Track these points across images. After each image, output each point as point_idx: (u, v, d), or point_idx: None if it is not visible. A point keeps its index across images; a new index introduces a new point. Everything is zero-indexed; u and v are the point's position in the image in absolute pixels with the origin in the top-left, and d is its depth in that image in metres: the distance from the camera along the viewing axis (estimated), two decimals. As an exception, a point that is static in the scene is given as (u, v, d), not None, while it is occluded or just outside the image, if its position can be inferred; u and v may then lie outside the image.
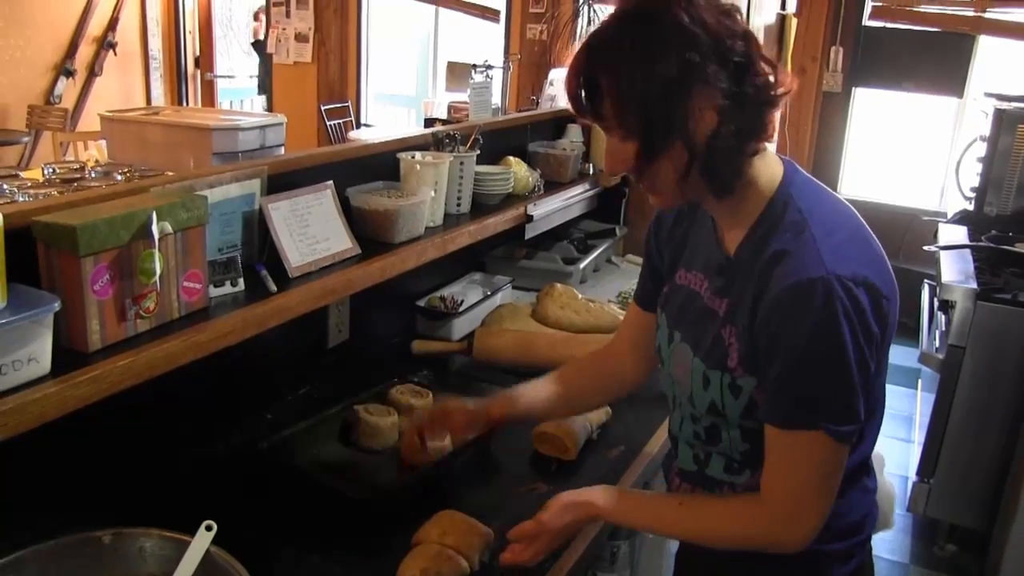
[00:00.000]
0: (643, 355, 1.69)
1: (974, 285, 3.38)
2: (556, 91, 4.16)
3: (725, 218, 1.38)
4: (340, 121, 8.32)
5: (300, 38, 8.70)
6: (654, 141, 1.23)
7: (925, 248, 3.98)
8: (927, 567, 3.69)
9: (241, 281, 1.80)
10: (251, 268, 1.87)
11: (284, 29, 8.73)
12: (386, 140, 2.48)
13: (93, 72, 8.60)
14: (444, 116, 6.66)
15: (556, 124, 3.55)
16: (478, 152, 2.63)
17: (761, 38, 2.60)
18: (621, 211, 3.77)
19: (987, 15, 5.93)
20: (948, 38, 6.11)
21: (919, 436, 3.85)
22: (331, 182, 2.10)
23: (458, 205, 2.59)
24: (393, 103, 9.77)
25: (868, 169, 6.64)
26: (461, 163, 2.54)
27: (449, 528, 1.58)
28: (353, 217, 2.15)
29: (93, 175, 3.02)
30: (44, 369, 1.37)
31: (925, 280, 4.23)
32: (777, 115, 1.27)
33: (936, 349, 3.57)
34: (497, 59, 6.61)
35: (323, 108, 8.29)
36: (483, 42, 8.03)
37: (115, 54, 8.78)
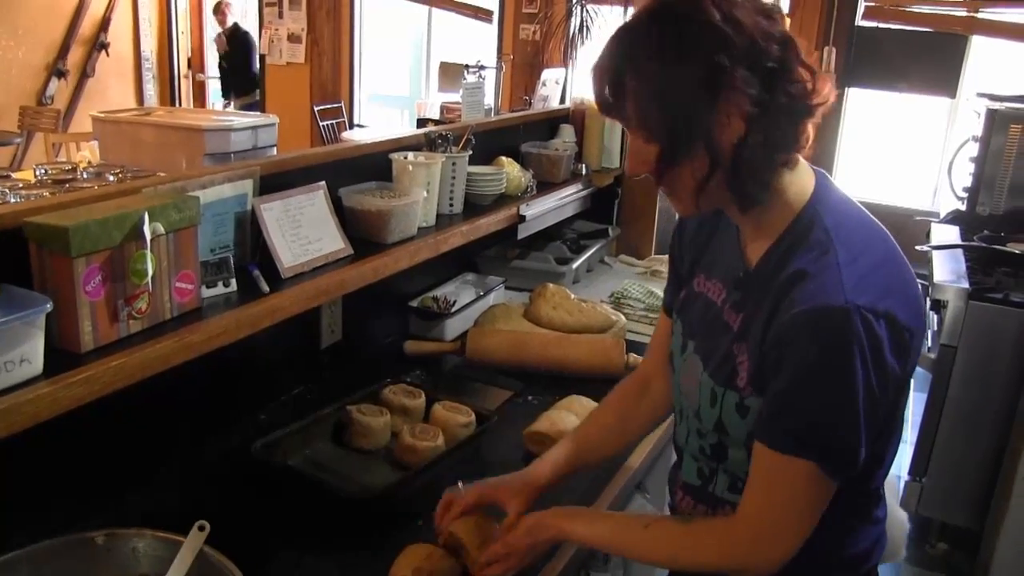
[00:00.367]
0: None
1: (966, 285, 3.40)
2: (549, 91, 4.17)
3: (750, 228, 1.33)
4: (333, 122, 8.34)
5: (293, 39, 8.73)
6: (676, 146, 1.19)
7: (918, 248, 3.99)
8: (919, 565, 3.70)
9: (234, 282, 1.80)
10: (244, 269, 1.87)
11: (277, 30, 8.75)
12: (379, 140, 2.48)
13: (85, 73, 8.61)
14: (437, 116, 6.66)
15: (549, 124, 3.56)
16: (471, 152, 2.64)
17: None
18: (614, 211, 3.78)
19: (980, 15, 5.96)
20: (941, 38, 6.14)
21: (911, 435, 3.86)
22: (323, 182, 2.10)
23: (451, 205, 2.59)
24: (386, 104, 9.77)
25: (861, 169, 6.66)
26: (454, 163, 2.54)
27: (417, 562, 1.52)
28: (346, 217, 2.16)
29: (85, 176, 3.01)
30: (36, 370, 1.37)
31: (917, 280, 4.24)
32: (811, 125, 1.22)
33: (928, 349, 3.57)
34: (490, 59, 6.62)
35: (316, 109, 8.31)
36: (476, 42, 8.05)
37: (107, 55, 8.79)
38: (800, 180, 1.28)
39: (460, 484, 1.58)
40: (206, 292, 1.74)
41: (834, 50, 6.28)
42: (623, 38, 1.20)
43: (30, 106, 7.68)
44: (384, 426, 1.94)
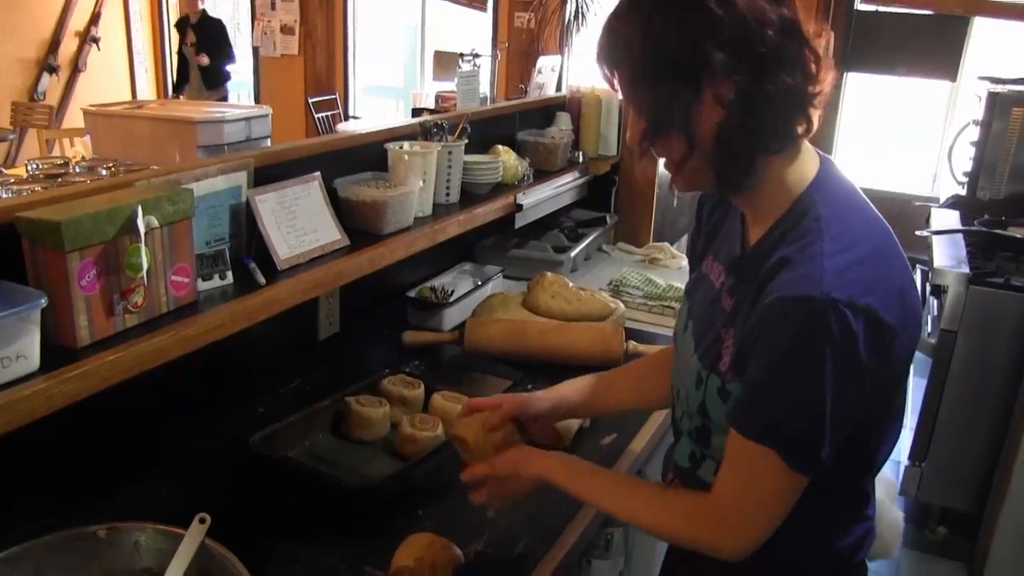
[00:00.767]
0: None
1: (966, 269, 3.41)
2: (544, 79, 4.17)
3: (748, 212, 1.32)
4: (328, 114, 8.33)
5: (286, 30, 8.71)
6: (657, 125, 1.20)
7: (917, 233, 4.00)
8: (919, 550, 3.73)
9: (230, 274, 1.81)
10: (239, 261, 1.88)
11: (269, 22, 8.73)
12: (374, 130, 2.48)
13: (77, 68, 8.59)
14: (432, 106, 6.66)
15: (545, 112, 3.56)
16: (466, 141, 2.64)
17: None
18: (612, 199, 3.78)
19: (980, -4, 5.95)
20: (941, 20, 6.13)
21: (911, 420, 3.87)
22: (318, 173, 2.10)
23: (447, 195, 2.60)
24: (381, 95, 9.77)
25: (860, 155, 6.66)
26: (449, 152, 2.55)
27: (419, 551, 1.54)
28: (341, 208, 2.16)
29: (77, 170, 3.02)
30: (33, 366, 1.38)
31: (917, 265, 4.25)
32: (812, 113, 1.21)
33: (928, 334, 3.59)
34: (485, 48, 6.61)
35: (311, 101, 8.30)
36: (470, 31, 8.03)
37: (98, 49, 8.76)
38: (801, 167, 1.26)
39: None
40: (202, 285, 1.75)
41: (832, 34, 6.24)
42: (621, 9, 1.21)
43: (22, 102, 7.67)
44: (383, 417, 1.95)
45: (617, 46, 1.20)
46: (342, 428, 1.96)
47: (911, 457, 3.65)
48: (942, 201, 4.58)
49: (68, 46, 8.47)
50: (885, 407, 1.28)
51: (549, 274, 2.73)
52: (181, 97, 7.95)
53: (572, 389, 1.69)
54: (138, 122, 4.63)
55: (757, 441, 1.19)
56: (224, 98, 8.27)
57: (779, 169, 1.25)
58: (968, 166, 4.35)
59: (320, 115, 8.24)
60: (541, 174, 3.15)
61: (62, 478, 1.65)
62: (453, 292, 2.71)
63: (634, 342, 2.43)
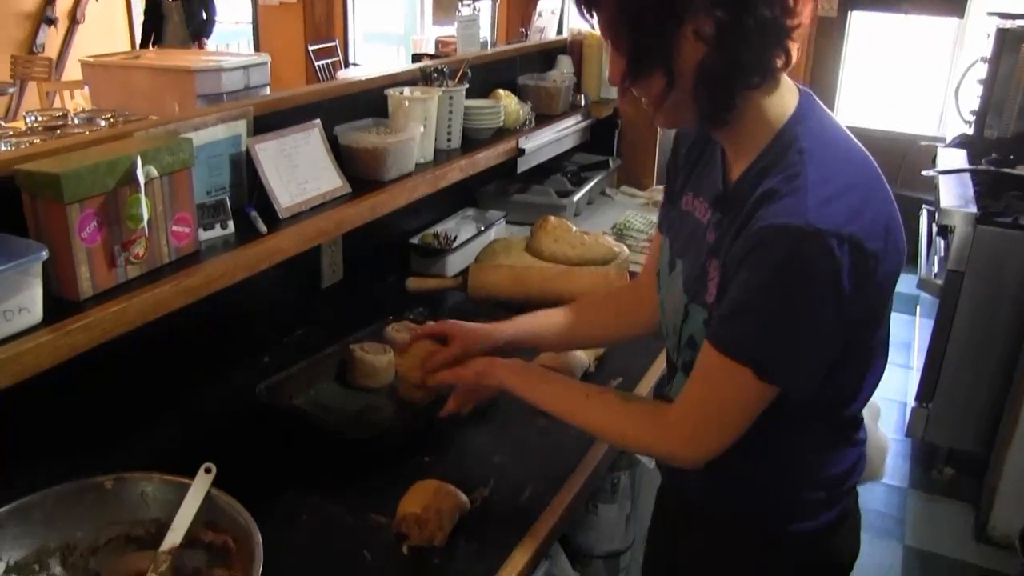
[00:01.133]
0: None
1: (974, 209, 3.39)
2: (545, 22, 4.12)
3: (730, 147, 1.33)
4: (328, 61, 8.27)
5: (284, -24, 8.61)
6: (638, 62, 1.20)
7: (924, 173, 3.97)
8: (925, 491, 3.75)
9: (231, 224, 1.80)
10: (240, 211, 1.87)
11: (267, -32, 8.63)
12: (373, 76, 2.46)
13: (75, 19, 8.51)
14: (432, 52, 6.60)
15: (546, 56, 3.52)
16: (467, 86, 2.62)
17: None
18: (614, 143, 3.76)
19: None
20: (947, -44, 6.04)
21: (918, 362, 3.88)
22: (318, 121, 2.09)
23: (448, 140, 2.58)
24: (382, 42, 9.69)
25: (865, 95, 6.60)
26: (450, 98, 2.53)
27: (425, 499, 1.55)
28: (342, 156, 2.15)
29: (76, 122, 3.00)
30: (36, 318, 1.38)
31: (923, 205, 4.23)
32: (791, 46, 1.19)
33: (935, 275, 3.57)
34: (485, -9, 6.53)
35: (310, 48, 8.23)
36: (471, -26, 7.93)
37: (96, 0, 8.68)
38: (781, 100, 1.26)
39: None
40: (203, 235, 1.74)
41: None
42: None
43: (21, 55, 7.61)
44: (388, 364, 1.95)
45: None
46: (347, 376, 1.96)
47: (918, 398, 3.66)
48: (948, 141, 4.54)
49: (65, -2, 8.40)
50: (868, 336, 1.30)
51: (552, 218, 2.72)
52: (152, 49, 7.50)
53: (542, 322, 1.71)
54: (136, 72, 4.60)
55: (729, 355, 1.22)
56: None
57: (759, 103, 1.24)
58: (975, 105, 4.30)
59: (320, 63, 8.18)
60: (543, 118, 3.13)
61: (67, 430, 1.66)
62: (456, 238, 2.71)
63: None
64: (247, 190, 1.93)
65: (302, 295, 2.30)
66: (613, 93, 3.52)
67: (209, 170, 1.83)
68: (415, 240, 2.70)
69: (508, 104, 2.89)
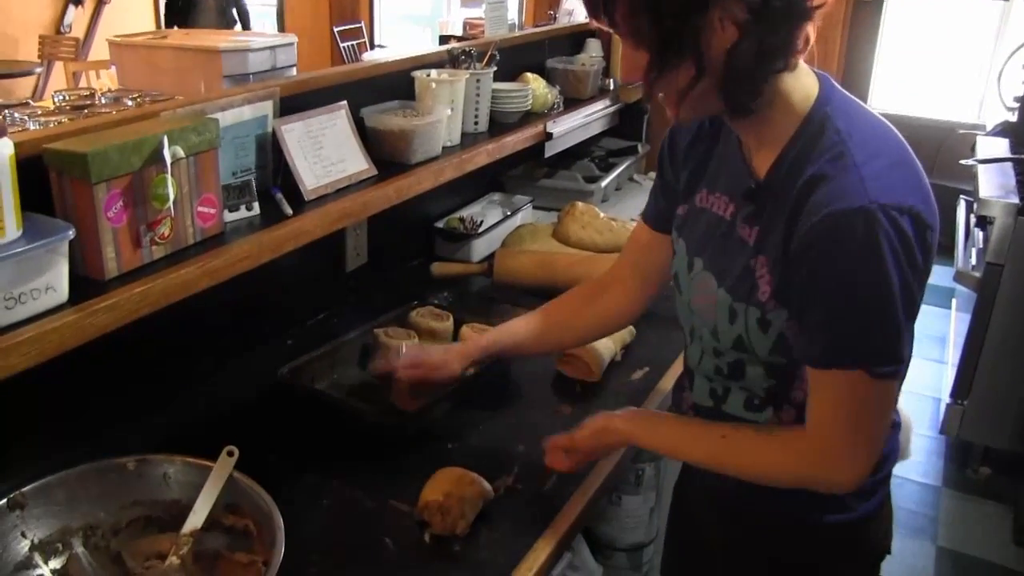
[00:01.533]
0: (645, 281, 1.65)
1: (1015, 200, 3.34)
2: (573, 5, 4.11)
3: (753, 137, 1.30)
4: (354, 43, 8.26)
5: (310, -44, 8.59)
6: (664, 52, 1.17)
7: (962, 162, 3.92)
8: (960, 490, 3.71)
9: (256, 205, 1.82)
10: (266, 192, 1.88)
11: (293, -53, 8.61)
12: (400, 58, 2.47)
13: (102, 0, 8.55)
14: (460, 33, 6.58)
15: (575, 39, 3.52)
16: (495, 69, 2.62)
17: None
18: (643, 127, 3.75)
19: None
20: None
21: (953, 357, 3.84)
22: (345, 102, 2.10)
23: (475, 124, 2.59)
24: (408, 23, 9.67)
25: (901, 80, 6.54)
26: (478, 80, 2.53)
27: (447, 486, 1.54)
28: (368, 138, 2.16)
29: (103, 101, 3.03)
30: (62, 298, 1.40)
31: (961, 196, 4.18)
32: (810, 29, 1.18)
33: (972, 267, 3.53)
34: (514, -28, 6.51)
35: (336, 30, 8.22)
36: (499, -45, 7.90)
37: (123, -20, 8.70)
38: (803, 83, 1.25)
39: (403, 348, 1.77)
40: (229, 216, 1.76)
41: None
42: None
43: (49, 35, 7.65)
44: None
45: None
46: (370, 360, 1.97)
47: (953, 394, 3.62)
48: (989, 128, 4.48)
49: (93, -23, 8.42)
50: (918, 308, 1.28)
51: (580, 204, 2.72)
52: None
53: (517, 328, 1.74)
54: (162, 52, 4.61)
55: (842, 368, 1.19)
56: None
57: (783, 88, 1.23)
58: (1019, 91, 4.24)
59: (345, 44, 8.17)
60: (571, 102, 3.13)
61: (91, 411, 1.68)
62: (482, 222, 2.71)
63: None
64: (273, 172, 1.95)
65: (326, 278, 2.31)
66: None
67: (235, 151, 1.84)
68: (440, 224, 2.71)
69: (536, 88, 2.89)
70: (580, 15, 4.02)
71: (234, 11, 7.34)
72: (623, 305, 1.68)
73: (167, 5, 7.59)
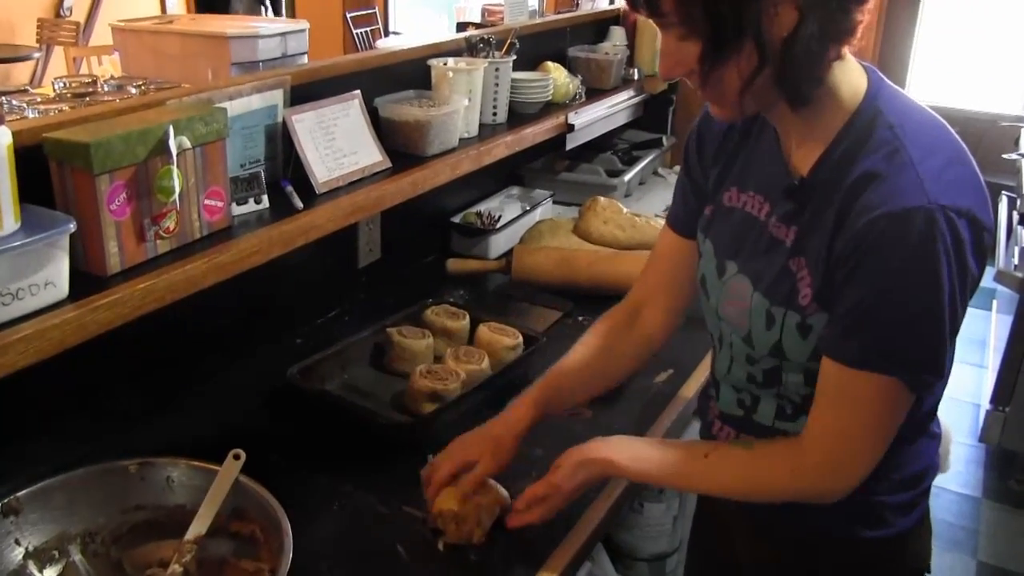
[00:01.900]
0: (678, 295, 1.60)
1: (1061, 196, 3.32)
2: (598, -10, 4.11)
3: (795, 132, 1.28)
4: (367, 29, 8.26)
5: (322, -61, 8.59)
6: (721, 41, 1.13)
7: (1005, 156, 3.89)
8: (1001, 501, 3.68)
9: (265, 198, 1.81)
10: (276, 185, 1.88)
11: (304, -71, 8.61)
12: (416, 46, 2.46)
13: (103, -18, 8.57)
14: (478, 20, 6.57)
15: (598, 26, 3.50)
16: (514, 58, 2.61)
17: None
18: (668, 119, 3.73)
19: None
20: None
21: (993, 361, 3.81)
22: (358, 92, 2.09)
23: (494, 115, 2.58)
24: (424, 9, 9.67)
25: (940, 70, 6.49)
26: (496, 69, 2.52)
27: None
28: (382, 129, 2.15)
29: (106, 89, 3.03)
30: (62, 293, 1.40)
31: (1003, 192, 4.15)
32: (866, 12, 1.16)
33: (1015, 267, 3.50)
34: (535, -44, 6.48)
35: (348, 16, 8.22)
36: (520, -62, 7.88)
37: (125, -39, 8.73)
38: (852, 75, 1.23)
39: (430, 457, 1.57)
40: (237, 209, 1.76)
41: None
42: None
43: (48, 19, 7.67)
44: (426, 349, 1.96)
45: None
46: (383, 360, 1.97)
47: (993, 401, 3.59)
48: (1033, 121, 4.45)
49: (93, -43, 8.45)
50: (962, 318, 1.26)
51: (602, 199, 2.71)
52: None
53: (562, 384, 1.59)
54: (168, 38, 4.61)
55: (873, 370, 1.18)
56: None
57: (831, 81, 1.21)
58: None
59: (359, 31, 8.18)
60: (593, 92, 3.12)
61: (91, 412, 1.68)
62: (500, 218, 2.71)
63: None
64: (283, 163, 1.95)
65: (337, 275, 2.31)
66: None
67: (244, 142, 1.84)
68: (457, 219, 2.70)
69: (557, 77, 2.88)
70: (603, 1, 4.01)
71: None
72: (657, 329, 1.62)
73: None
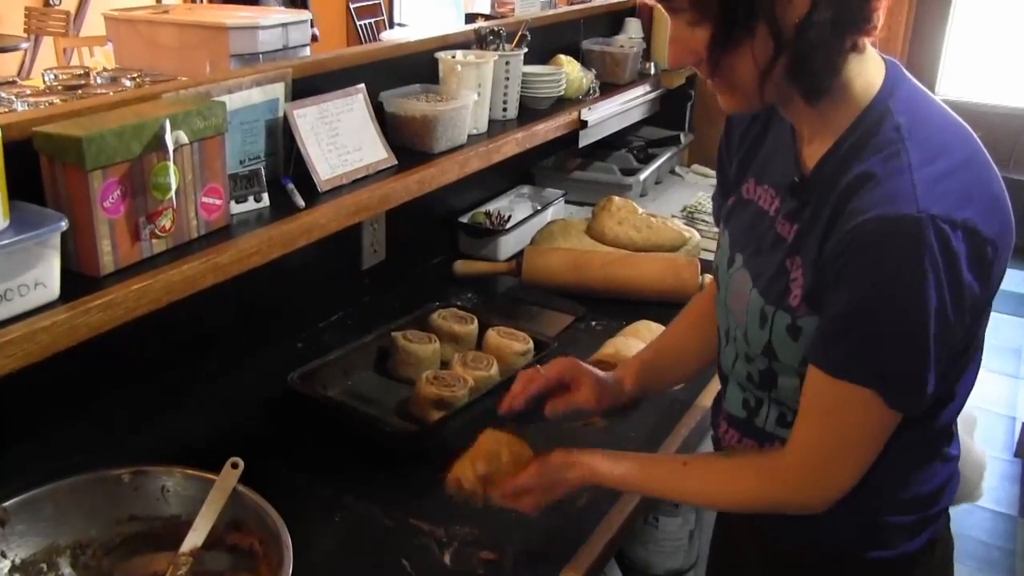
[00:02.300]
0: None
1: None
2: (613, -20, 4.10)
3: (808, 127, 1.28)
4: (371, 20, 8.28)
5: (325, -74, 8.60)
6: (733, 26, 1.13)
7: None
8: (1041, 521, 3.66)
9: (265, 196, 1.81)
10: (276, 182, 1.88)
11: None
12: (423, 38, 2.46)
13: (95, -31, 8.59)
14: (487, 11, 6.58)
15: (613, 18, 3.50)
16: (526, 50, 2.61)
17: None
18: (687, 116, 3.73)
19: None
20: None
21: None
22: (363, 85, 2.09)
23: (504, 110, 2.57)
24: (430, -1, 9.69)
25: (973, 65, 6.47)
26: (507, 63, 2.52)
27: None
28: (388, 124, 2.15)
29: (99, 81, 3.03)
30: (52, 294, 1.39)
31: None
32: (884, 2, 1.15)
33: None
34: (547, -55, 6.48)
35: (352, 7, 8.24)
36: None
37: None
38: (868, 70, 1.22)
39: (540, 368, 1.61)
40: (235, 208, 1.75)
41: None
42: None
43: (36, 7, 7.69)
44: (433, 354, 1.96)
45: None
46: (387, 366, 1.97)
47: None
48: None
49: (84, -57, 8.46)
50: (975, 332, 1.25)
51: (616, 199, 2.71)
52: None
53: (634, 374, 1.65)
54: (164, 28, 4.62)
55: (852, 381, 1.17)
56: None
57: (852, 73, 1.20)
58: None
59: (363, 22, 8.20)
60: (608, 87, 3.11)
61: (83, 418, 1.68)
62: (510, 218, 2.71)
63: (710, 275, 2.41)
64: (284, 160, 1.94)
65: (340, 276, 2.31)
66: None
67: (243, 137, 1.83)
68: (465, 219, 2.70)
69: (570, 71, 2.87)
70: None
71: None
72: None
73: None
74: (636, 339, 2.05)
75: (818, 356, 1.22)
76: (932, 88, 5.51)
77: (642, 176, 3.19)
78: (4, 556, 1.33)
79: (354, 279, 2.35)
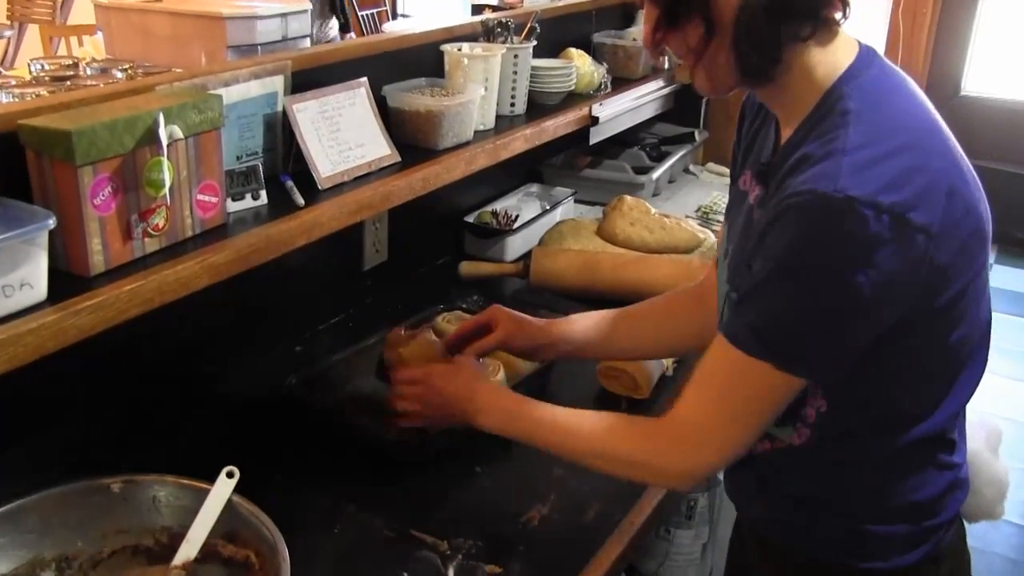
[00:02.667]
0: None
1: None
2: (625, -29, 4.10)
3: (781, 113, 1.33)
4: (373, 11, 8.27)
5: (324, -87, 8.61)
6: (673, 8, 1.22)
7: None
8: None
9: (263, 194, 1.81)
10: (275, 179, 1.87)
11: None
12: (428, 30, 2.45)
13: (85, -46, 8.60)
14: (495, 2, 6.58)
15: (625, 11, 3.50)
16: (535, 43, 2.61)
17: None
18: (701, 112, 3.73)
19: None
20: None
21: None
22: (365, 79, 2.09)
23: (512, 105, 2.57)
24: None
25: (1000, 60, 6.46)
26: (515, 56, 2.51)
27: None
28: (391, 120, 2.15)
29: (89, 72, 3.03)
30: (40, 295, 1.38)
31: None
32: None
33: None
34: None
35: (354, -4, 8.24)
36: (540, -86, 7.89)
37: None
38: (833, 57, 1.25)
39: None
40: (232, 206, 1.75)
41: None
42: None
43: (20, -7, 7.69)
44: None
45: None
46: (390, 371, 1.96)
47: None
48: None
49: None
50: (935, 333, 1.26)
51: (628, 198, 2.71)
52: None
53: (581, 326, 1.72)
54: (158, 17, 4.62)
55: (744, 349, 1.21)
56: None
57: (808, 60, 1.24)
58: None
59: (363, 12, 8.19)
60: (620, 82, 3.10)
61: (71, 425, 1.68)
62: (517, 217, 2.70)
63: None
64: (283, 156, 1.94)
65: (341, 277, 2.31)
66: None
67: (240, 132, 1.83)
68: (471, 218, 2.70)
69: (581, 65, 2.87)
70: (631, -17, 4.00)
71: None
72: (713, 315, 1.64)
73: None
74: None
75: (722, 323, 1.28)
76: (958, 83, 5.51)
77: (655, 175, 3.19)
78: (-14, 569, 1.32)
79: (355, 280, 2.35)
